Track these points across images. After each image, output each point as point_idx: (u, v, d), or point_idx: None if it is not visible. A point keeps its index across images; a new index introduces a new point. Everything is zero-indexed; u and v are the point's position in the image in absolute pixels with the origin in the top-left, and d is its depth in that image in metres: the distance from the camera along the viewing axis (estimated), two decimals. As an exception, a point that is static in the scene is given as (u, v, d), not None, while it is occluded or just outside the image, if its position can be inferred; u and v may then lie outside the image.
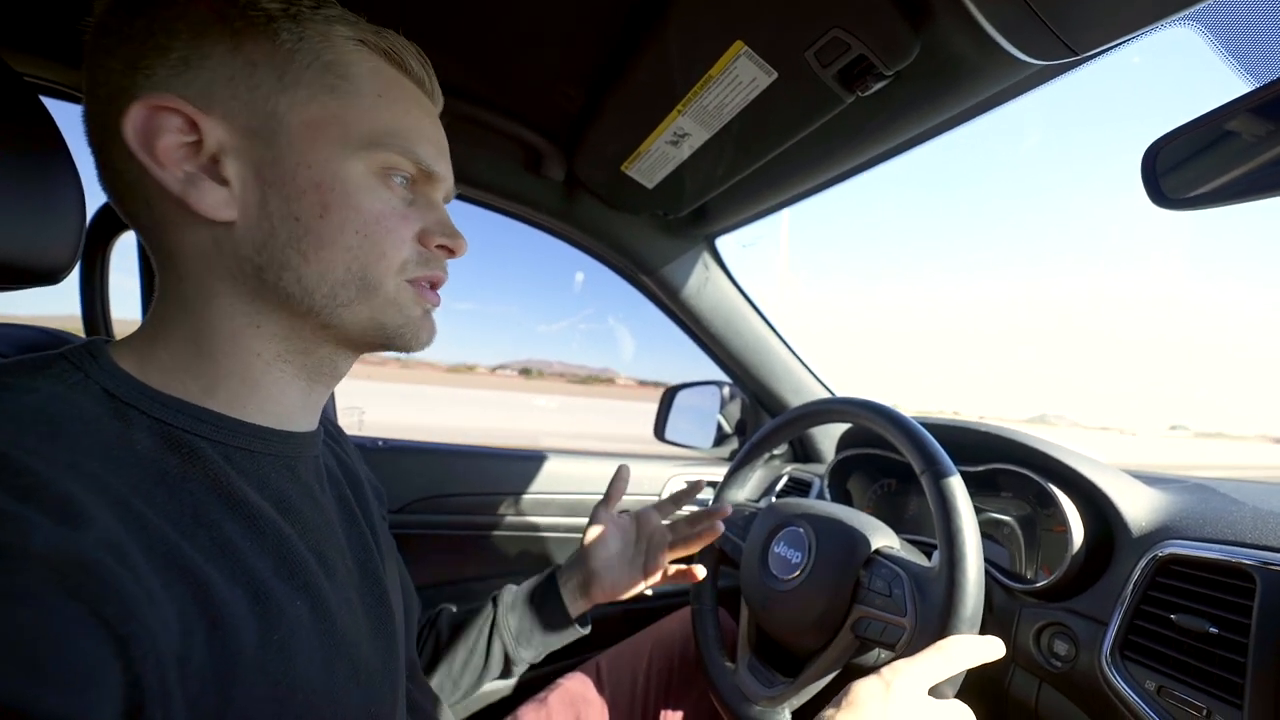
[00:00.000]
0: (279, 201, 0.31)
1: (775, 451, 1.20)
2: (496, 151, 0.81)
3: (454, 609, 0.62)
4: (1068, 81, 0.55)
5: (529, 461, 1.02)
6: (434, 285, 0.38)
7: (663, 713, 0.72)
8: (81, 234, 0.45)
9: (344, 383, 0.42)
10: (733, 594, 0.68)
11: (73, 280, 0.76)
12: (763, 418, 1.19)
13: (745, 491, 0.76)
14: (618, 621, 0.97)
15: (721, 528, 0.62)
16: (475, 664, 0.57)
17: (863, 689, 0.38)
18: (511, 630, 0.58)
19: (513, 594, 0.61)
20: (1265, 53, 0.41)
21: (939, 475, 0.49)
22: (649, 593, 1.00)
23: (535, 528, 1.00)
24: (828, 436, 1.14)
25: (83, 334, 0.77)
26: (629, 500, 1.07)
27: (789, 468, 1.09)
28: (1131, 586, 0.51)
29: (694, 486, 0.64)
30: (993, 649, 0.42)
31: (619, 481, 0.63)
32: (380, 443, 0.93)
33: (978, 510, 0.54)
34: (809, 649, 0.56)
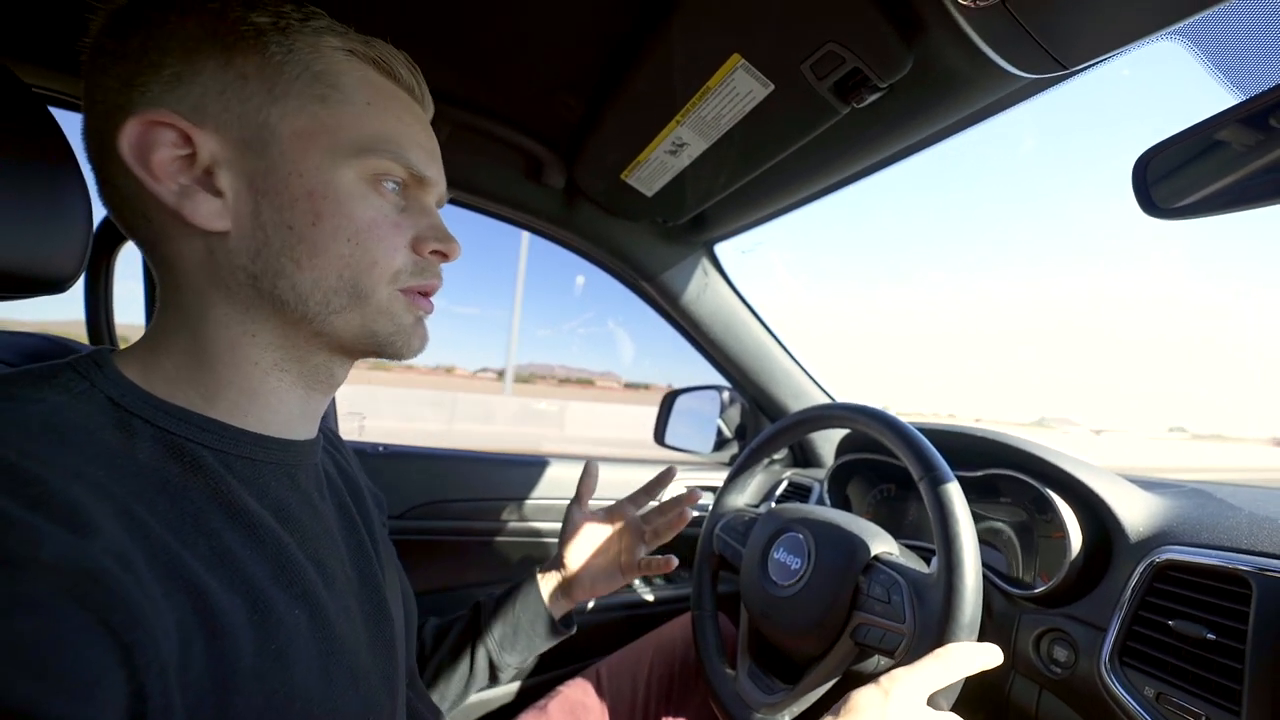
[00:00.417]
0: (272, 210, 0.31)
1: (775, 456, 1.20)
2: (497, 160, 0.82)
3: (436, 620, 0.61)
4: (1062, 89, 0.56)
5: (530, 467, 1.02)
6: (428, 293, 0.38)
7: (663, 719, 0.72)
8: (88, 243, 0.45)
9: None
10: (733, 599, 0.68)
11: (76, 285, 0.77)
12: (762, 422, 1.19)
13: (745, 496, 0.76)
14: (618, 628, 0.97)
15: (690, 514, 0.62)
16: (460, 673, 0.57)
17: (861, 697, 0.38)
18: (495, 637, 0.57)
19: (494, 600, 0.61)
20: (1251, 66, 0.42)
21: (937, 482, 0.49)
22: (650, 598, 1.00)
23: (536, 533, 1.00)
24: (827, 441, 1.15)
25: (86, 340, 0.77)
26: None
27: (789, 472, 1.10)
28: (1129, 592, 0.52)
29: (666, 474, 0.64)
30: (991, 657, 0.42)
31: (588, 478, 0.63)
32: (380, 448, 0.93)
33: (976, 517, 0.54)
34: (809, 655, 0.56)
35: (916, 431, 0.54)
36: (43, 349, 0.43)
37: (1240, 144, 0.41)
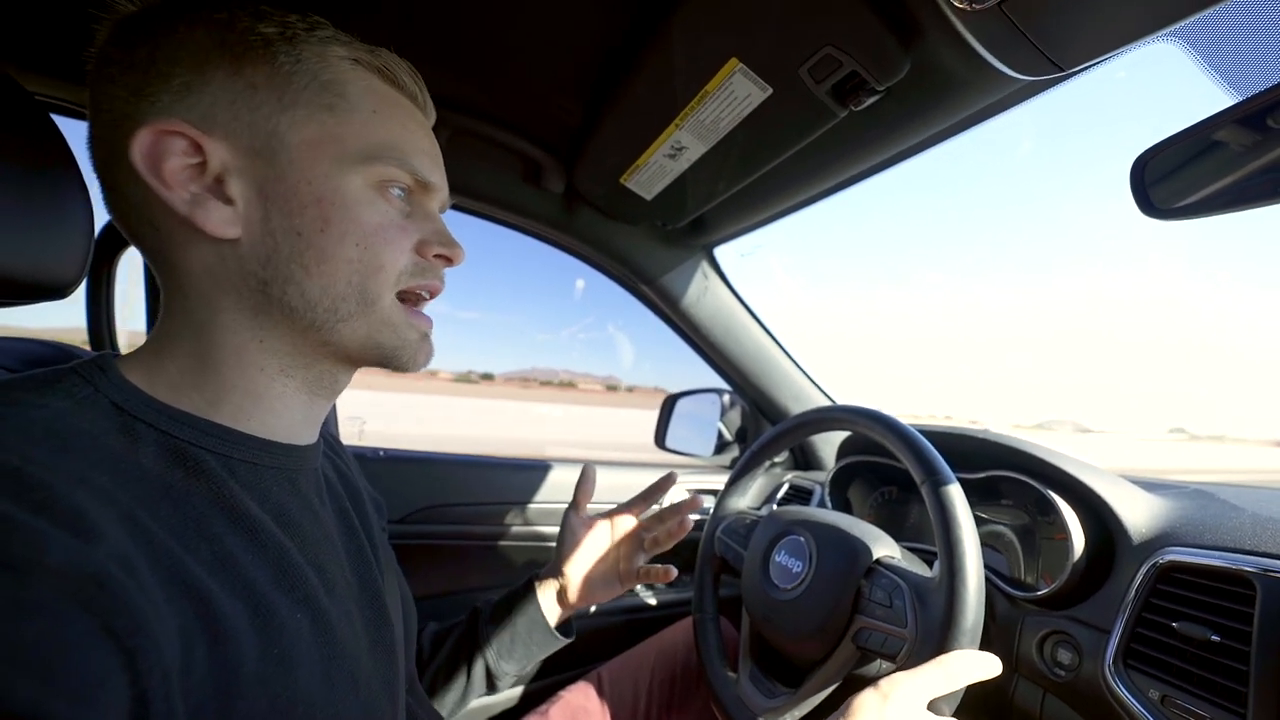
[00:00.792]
0: (281, 217, 0.32)
1: (776, 459, 1.20)
2: (497, 165, 0.82)
3: (435, 625, 0.61)
4: (1062, 90, 0.56)
5: (530, 471, 1.02)
6: (431, 294, 0.39)
7: (664, 724, 0.71)
8: (89, 250, 0.46)
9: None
10: (734, 603, 0.68)
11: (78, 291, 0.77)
12: (763, 425, 1.19)
13: (746, 499, 0.76)
14: (619, 632, 0.97)
15: (690, 523, 0.60)
16: (458, 682, 0.56)
17: (861, 701, 0.38)
18: (492, 645, 0.57)
19: (491, 606, 0.60)
20: (1247, 67, 0.42)
21: (938, 484, 0.49)
22: (652, 601, 0.99)
23: (538, 537, 1.00)
24: (828, 444, 1.14)
25: (88, 346, 0.77)
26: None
27: (790, 475, 1.09)
28: (1133, 594, 0.51)
29: (667, 479, 0.62)
30: (991, 667, 0.42)
31: (585, 483, 0.61)
32: (380, 452, 0.93)
33: (978, 520, 0.54)
34: (810, 659, 0.56)
35: (918, 434, 0.54)
36: (45, 355, 0.43)
37: (1238, 144, 0.41)
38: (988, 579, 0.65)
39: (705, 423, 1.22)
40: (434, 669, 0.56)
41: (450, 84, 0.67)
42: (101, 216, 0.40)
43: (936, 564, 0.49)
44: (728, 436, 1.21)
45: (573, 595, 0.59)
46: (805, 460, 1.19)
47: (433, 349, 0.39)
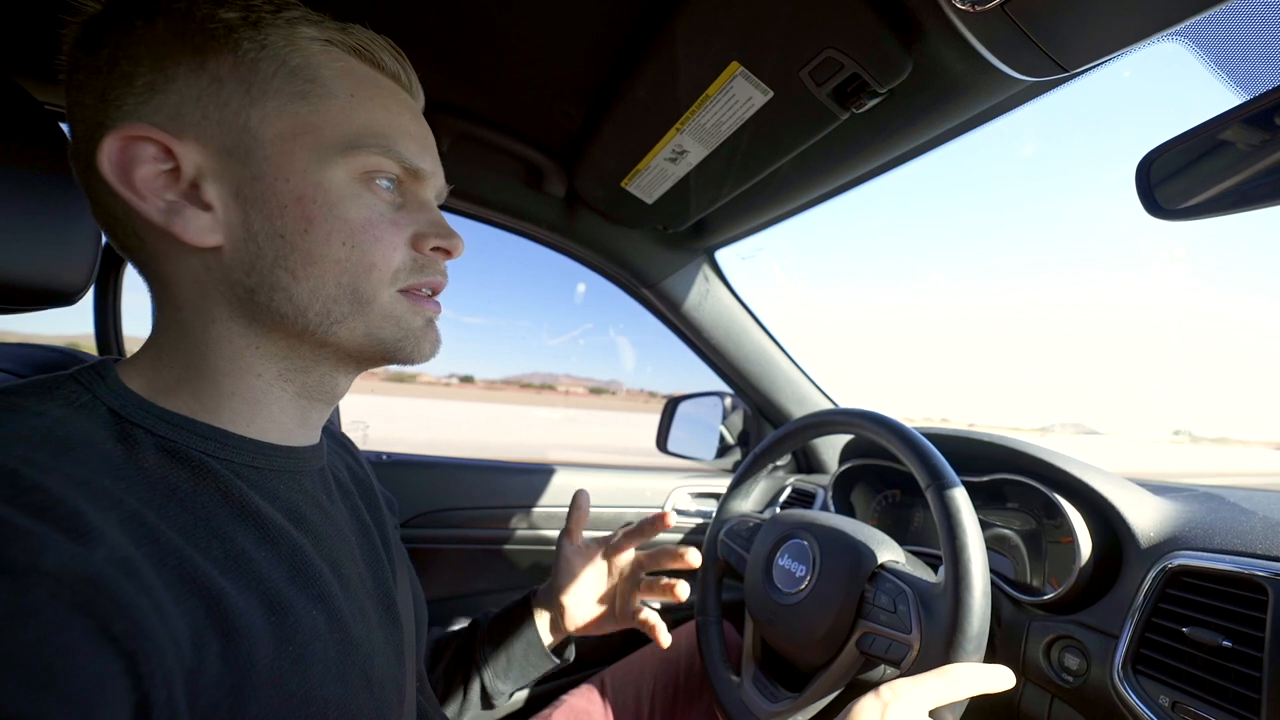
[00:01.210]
0: (262, 220, 0.30)
1: (779, 462, 1.19)
2: (498, 169, 0.82)
3: (439, 630, 0.60)
4: (1066, 90, 0.55)
5: (534, 475, 1.02)
6: (434, 291, 0.37)
7: (668, 730, 0.71)
8: (96, 256, 0.46)
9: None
10: (738, 607, 0.67)
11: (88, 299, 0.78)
12: (765, 429, 1.18)
13: (749, 503, 0.76)
14: (622, 635, 0.96)
15: (685, 593, 0.56)
16: (455, 700, 0.55)
17: (861, 706, 0.37)
18: (489, 664, 0.56)
19: (489, 622, 0.58)
20: (1253, 66, 0.42)
21: (943, 488, 0.49)
22: (656, 605, 0.99)
23: (541, 540, 1.00)
24: (831, 447, 1.14)
25: (95, 353, 0.78)
26: (633, 513, 1.07)
27: (793, 479, 1.09)
28: (1141, 598, 0.51)
29: (659, 520, 0.56)
30: (1000, 680, 0.41)
31: (577, 510, 0.57)
32: (384, 456, 0.94)
33: (983, 524, 0.53)
34: (814, 664, 0.56)
35: (922, 437, 0.53)
36: (55, 361, 0.44)
37: (1245, 144, 0.41)
38: (993, 583, 0.64)
39: (707, 426, 1.22)
40: (432, 682, 0.55)
41: (451, 89, 0.67)
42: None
43: (941, 569, 0.48)
44: (730, 440, 1.21)
45: (568, 625, 0.57)
46: (808, 464, 1.19)
47: (439, 337, 0.37)
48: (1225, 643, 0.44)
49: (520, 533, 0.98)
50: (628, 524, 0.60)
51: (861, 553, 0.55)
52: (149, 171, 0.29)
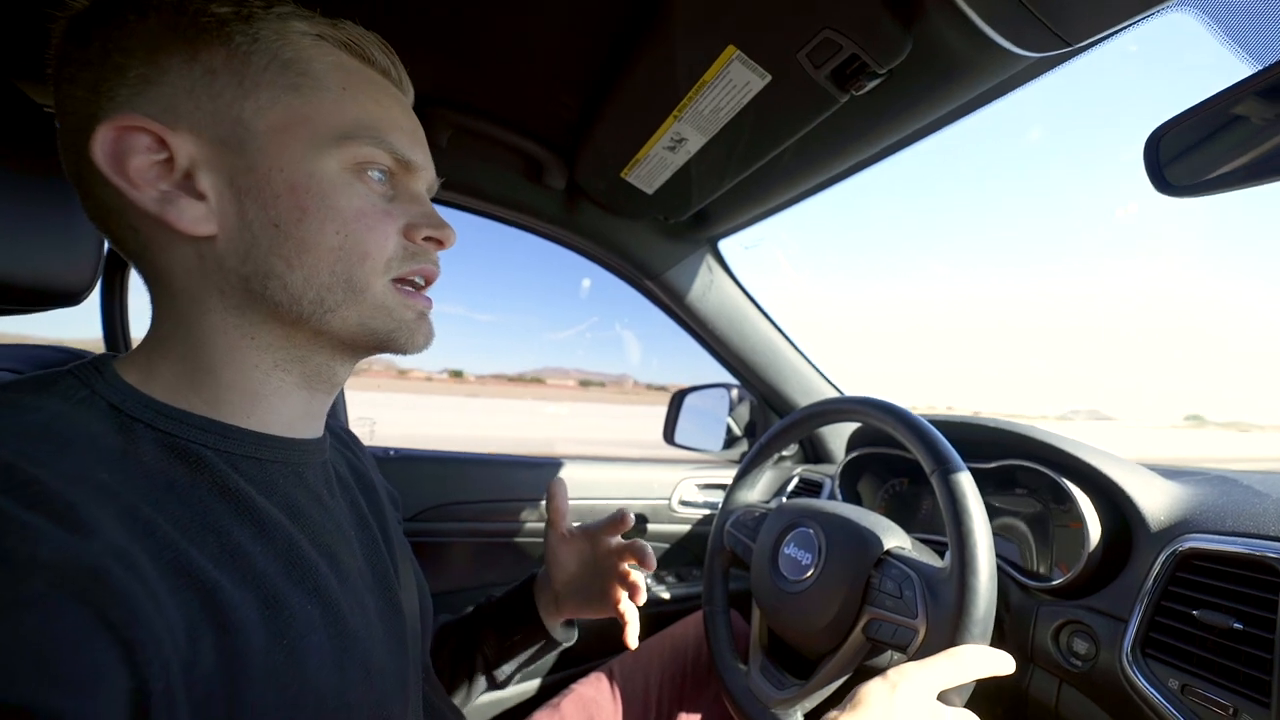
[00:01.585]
0: (256, 209, 0.31)
1: (785, 453, 1.19)
2: (498, 162, 0.82)
3: (447, 615, 0.60)
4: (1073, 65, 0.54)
5: (541, 468, 1.02)
6: (426, 280, 0.37)
7: (676, 715, 0.72)
8: (100, 257, 0.47)
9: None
10: (745, 596, 0.68)
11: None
12: (772, 419, 1.18)
13: (755, 493, 0.76)
14: (631, 626, 0.97)
15: (641, 583, 0.53)
16: (461, 685, 0.56)
17: (868, 691, 0.37)
18: (492, 647, 0.56)
19: (493, 606, 0.59)
20: (1266, 34, 0.40)
21: (948, 473, 0.48)
22: (664, 595, 0.99)
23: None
24: (838, 436, 1.14)
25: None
26: (641, 504, 1.07)
27: (799, 469, 1.09)
28: (1151, 582, 0.50)
29: (620, 519, 0.54)
30: (1004, 664, 0.41)
31: (553, 499, 0.56)
32: (391, 452, 0.95)
33: (991, 510, 0.53)
34: (820, 651, 0.56)
35: (927, 424, 0.53)
36: (55, 360, 0.44)
37: (1259, 117, 0.40)
38: (1001, 568, 0.64)
39: (714, 417, 1.22)
40: (437, 669, 0.56)
41: (449, 81, 0.67)
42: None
43: (947, 554, 0.48)
44: (737, 431, 1.21)
45: (565, 605, 0.57)
46: (815, 453, 1.18)
47: (432, 329, 0.38)
48: (1236, 625, 0.43)
49: (529, 526, 0.99)
50: (638, 515, 0.58)
51: (867, 539, 0.55)
52: (143, 162, 0.29)
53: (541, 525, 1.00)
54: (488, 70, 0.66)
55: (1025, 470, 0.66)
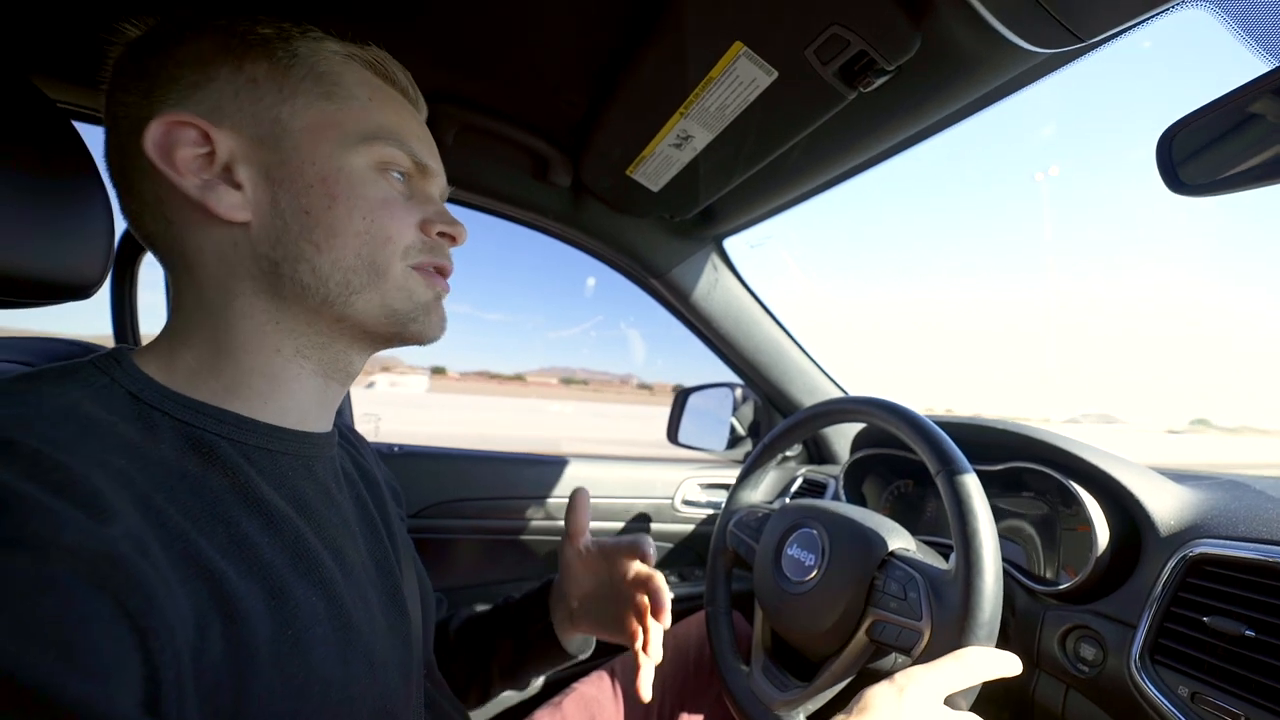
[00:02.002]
0: (289, 198, 0.34)
1: (790, 453, 1.19)
2: (503, 160, 0.82)
3: (466, 611, 0.60)
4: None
5: (545, 466, 1.03)
6: (441, 273, 0.40)
7: (678, 716, 0.71)
8: (111, 251, 0.47)
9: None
10: (748, 597, 0.67)
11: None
12: (776, 419, 1.18)
13: (759, 493, 0.75)
14: (633, 625, 0.97)
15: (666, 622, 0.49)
16: (476, 689, 0.56)
17: (875, 695, 0.37)
18: (508, 655, 0.56)
19: (510, 613, 0.58)
20: (1284, 31, 0.40)
21: (953, 475, 0.48)
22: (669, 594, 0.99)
23: (554, 530, 1.01)
24: (842, 437, 1.13)
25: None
26: (643, 504, 1.07)
27: (804, 469, 1.08)
28: (1161, 587, 0.50)
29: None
30: (1010, 665, 0.41)
31: (574, 512, 0.52)
32: (396, 448, 0.95)
33: (997, 512, 0.52)
34: (823, 653, 0.55)
35: (933, 424, 0.53)
36: (73, 354, 0.45)
37: (1275, 115, 0.39)
38: (1007, 572, 0.63)
39: (718, 417, 1.22)
40: (451, 670, 0.55)
41: (454, 79, 0.67)
42: (121, 220, 0.41)
43: (953, 556, 0.47)
44: (740, 431, 1.20)
45: (581, 622, 0.55)
46: (819, 454, 1.18)
47: (445, 316, 0.40)
48: (1248, 632, 0.43)
49: (533, 523, 0.99)
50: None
51: (871, 541, 0.54)
52: (188, 153, 0.32)
53: (545, 523, 1.00)
54: (493, 67, 0.66)
55: (1032, 472, 0.65)
